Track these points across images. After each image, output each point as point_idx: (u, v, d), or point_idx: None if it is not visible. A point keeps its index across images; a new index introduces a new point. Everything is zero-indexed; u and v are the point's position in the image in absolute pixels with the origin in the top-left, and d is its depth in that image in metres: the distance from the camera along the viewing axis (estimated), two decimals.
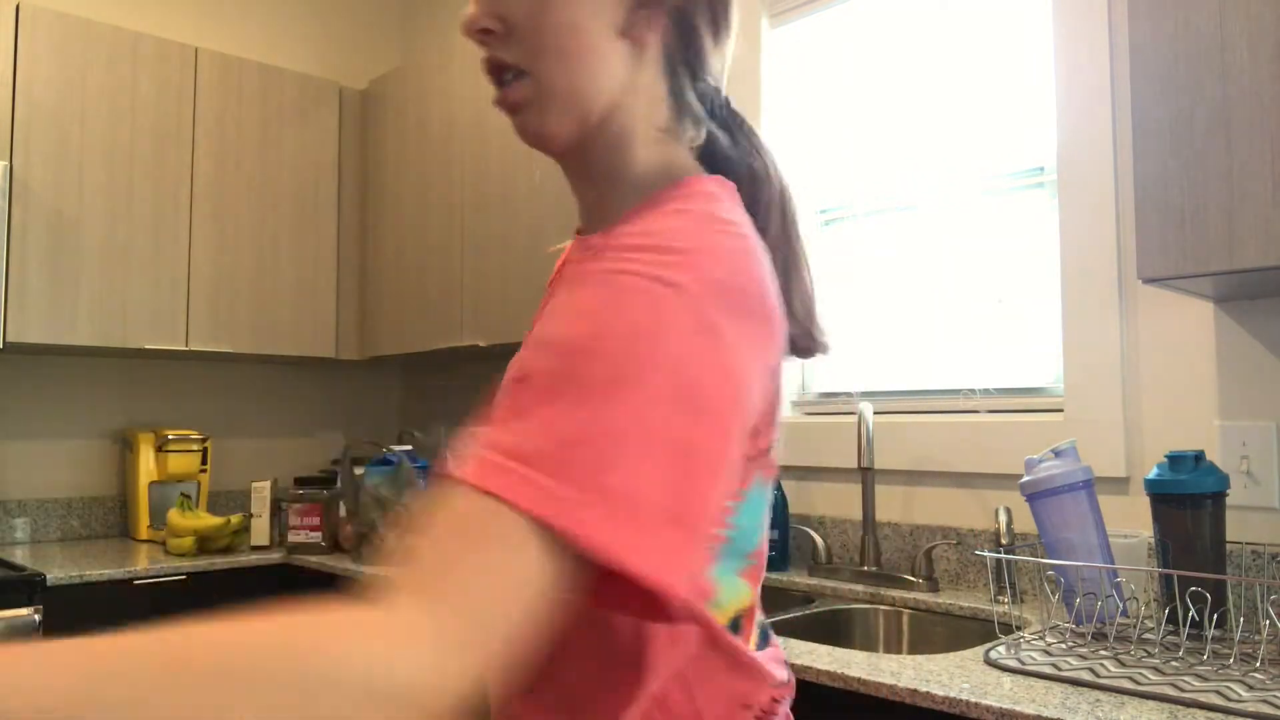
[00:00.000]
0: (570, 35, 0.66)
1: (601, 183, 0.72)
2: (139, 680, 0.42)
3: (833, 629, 1.85)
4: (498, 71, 0.68)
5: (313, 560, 2.52)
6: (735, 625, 0.72)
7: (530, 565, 0.48)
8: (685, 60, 0.73)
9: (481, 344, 2.69)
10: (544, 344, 0.57)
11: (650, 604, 0.52)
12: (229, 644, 0.44)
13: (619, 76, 0.68)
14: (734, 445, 0.56)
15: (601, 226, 0.69)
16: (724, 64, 0.77)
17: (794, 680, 0.78)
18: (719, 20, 0.74)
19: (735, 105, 0.79)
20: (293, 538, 2.64)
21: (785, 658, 0.79)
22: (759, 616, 0.75)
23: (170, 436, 2.86)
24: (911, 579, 1.89)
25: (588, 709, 0.66)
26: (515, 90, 0.67)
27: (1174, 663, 1.28)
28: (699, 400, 0.54)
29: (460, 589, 0.47)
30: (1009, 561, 1.75)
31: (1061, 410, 1.84)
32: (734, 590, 0.71)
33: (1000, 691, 1.19)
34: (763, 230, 0.70)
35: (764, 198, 0.73)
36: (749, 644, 0.73)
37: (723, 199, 0.66)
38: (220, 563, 2.50)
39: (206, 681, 0.43)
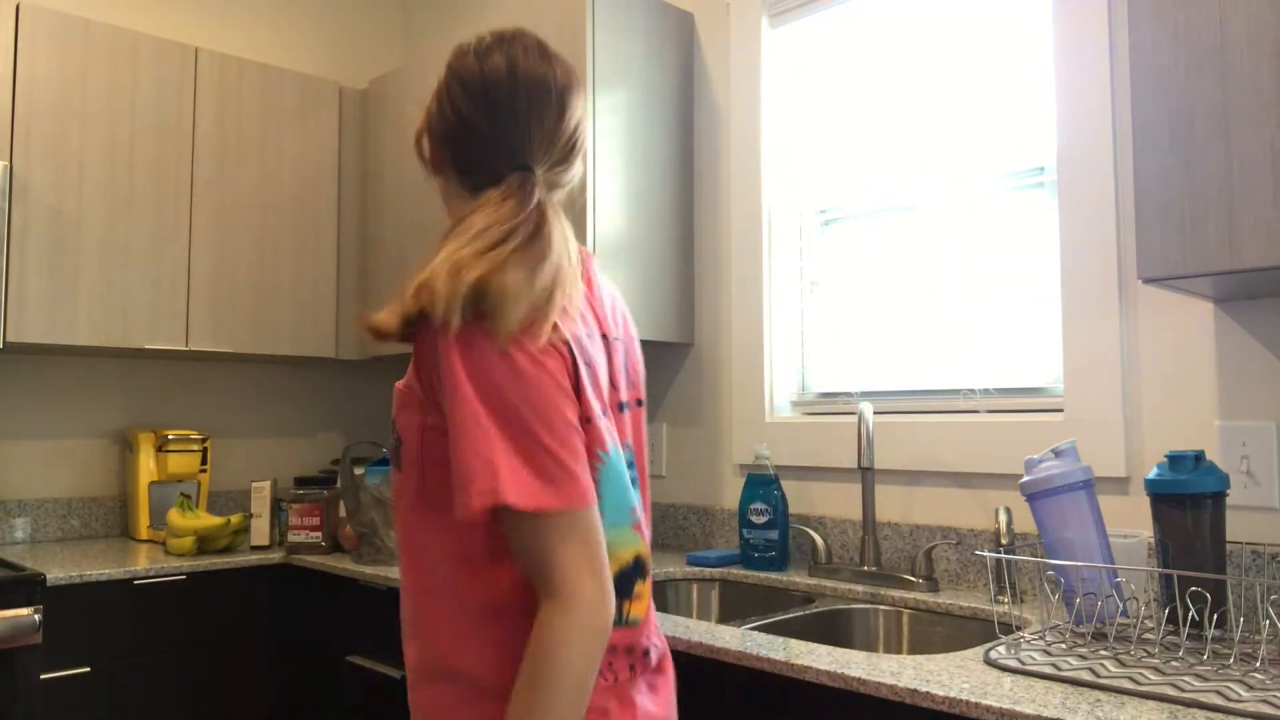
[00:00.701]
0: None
1: None
2: None
3: (833, 629, 1.85)
4: None
5: (313, 560, 2.52)
6: (638, 568, 1.07)
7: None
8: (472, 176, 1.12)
9: None
10: None
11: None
12: (523, 680, 0.93)
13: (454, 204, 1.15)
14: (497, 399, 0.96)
15: None
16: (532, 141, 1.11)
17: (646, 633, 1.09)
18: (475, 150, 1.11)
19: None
20: (293, 538, 2.64)
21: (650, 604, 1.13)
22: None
23: (170, 436, 2.86)
24: (911, 579, 1.89)
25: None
26: None
27: (1174, 663, 1.28)
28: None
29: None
30: (1009, 561, 1.75)
31: (1061, 410, 1.84)
32: (625, 539, 1.05)
33: (1000, 691, 1.19)
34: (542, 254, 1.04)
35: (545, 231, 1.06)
36: (647, 583, 1.08)
37: None
38: (220, 563, 2.50)
39: (531, 700, 0.92)
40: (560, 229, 1.05)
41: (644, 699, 1.08)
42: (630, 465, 1.11)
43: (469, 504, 0.93)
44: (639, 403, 1.17)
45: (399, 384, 1.06)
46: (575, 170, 1.14)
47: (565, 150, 1.11)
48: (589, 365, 1.03)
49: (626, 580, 1.05)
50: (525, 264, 0.99)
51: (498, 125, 1.07)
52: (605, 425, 1.03)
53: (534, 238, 1.02)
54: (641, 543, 1.07)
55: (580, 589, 0.92)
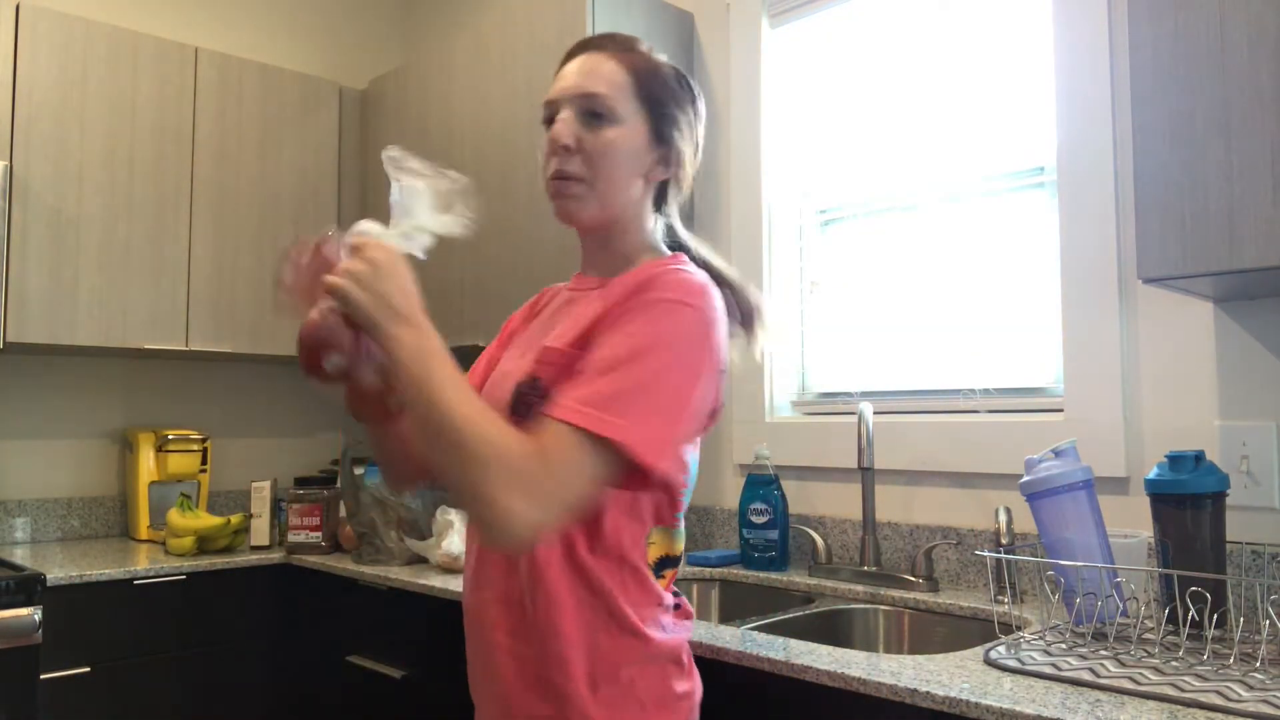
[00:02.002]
0: (617, 172, 1.15)
1: (613, 250, 1.19)
2: (443, 385, 0.94)
3: (833, 629, 1.85)
4: (562, 177, 1.13)
5: (313, 560, 2.52)
6: (677, 560, 1.16)
7: (586, 460, 0.96)
8: (663, 195, 1.23)
9: (482, 344, 2.69)
10: (615, 342, 1.02)
11: (644, 478, 1.02)
12: (474, 411, 0.94)
13: (634, 197, 1.17)
14: (704, 399, 1.05)
15: (610, 275, 1.18)
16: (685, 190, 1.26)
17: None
18: (682, 182, 1.23)
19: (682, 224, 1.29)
20: (293, 538, 2.64)
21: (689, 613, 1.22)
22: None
23: (170, 436, 2.86)
24: (911, 579, 1.89)
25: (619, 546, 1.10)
26: (569, 188, 1.13)
27: (1174, 663, 1.28)
28: (693, 369, 1.03)
29: (550, 476, 0.94)
30: (1009, 561, 1.75)
31: (1061, 410, 1.84)
32: (680, 535, 1.16)
33: (1000, 691, 1.19)
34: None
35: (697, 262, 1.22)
36: (675, 569, 1.17)
37: (689, 263, 1.17)
38: (220, 563, 2.50)
39: (453, 405, 0.93)
40: None
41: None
42: None
43: None
44: None
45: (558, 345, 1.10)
46: None
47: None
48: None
49: (669, 564, 1.16)
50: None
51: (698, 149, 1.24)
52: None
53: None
54: (684, 539, 1.20)
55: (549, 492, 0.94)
